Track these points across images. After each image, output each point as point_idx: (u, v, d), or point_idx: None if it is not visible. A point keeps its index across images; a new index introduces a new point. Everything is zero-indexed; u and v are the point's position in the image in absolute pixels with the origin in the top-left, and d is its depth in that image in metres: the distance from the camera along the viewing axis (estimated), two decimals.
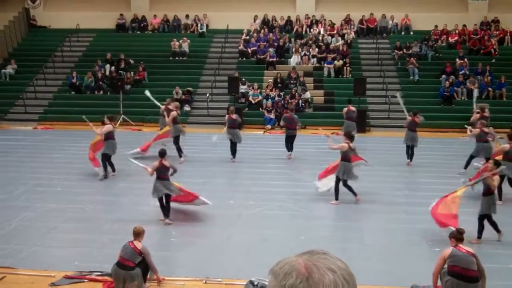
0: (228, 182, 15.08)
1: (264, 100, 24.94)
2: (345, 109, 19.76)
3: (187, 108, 25.31)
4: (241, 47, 28.70)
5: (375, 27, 30.25)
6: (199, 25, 30.92)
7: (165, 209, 11.25)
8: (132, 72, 27.37)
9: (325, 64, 27.33)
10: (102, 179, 14.65)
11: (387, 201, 13.17)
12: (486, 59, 27.37)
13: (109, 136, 14.83)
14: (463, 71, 25.97)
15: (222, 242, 10.34)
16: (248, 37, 29.23)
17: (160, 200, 11.19)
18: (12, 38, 30.85)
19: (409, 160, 16.69)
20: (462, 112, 24.07)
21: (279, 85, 25.90)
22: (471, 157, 15.35)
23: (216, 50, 29.23)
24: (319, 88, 26.54)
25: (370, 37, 29.95)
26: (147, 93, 20.80)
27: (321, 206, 12.93)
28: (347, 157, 12.66)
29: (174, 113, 17.13)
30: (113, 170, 15.08)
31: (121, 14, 31.33)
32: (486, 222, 10.36)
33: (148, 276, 8.32)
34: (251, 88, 25.58)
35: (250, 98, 25.25)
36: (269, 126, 23.81)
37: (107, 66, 27.83)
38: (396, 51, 28.17)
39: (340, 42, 28.58)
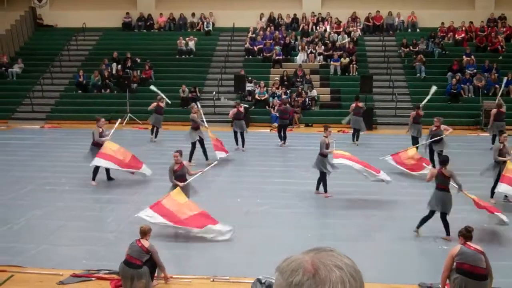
0: (234, 180, 15.08)
1: (271, 98, 24.94)
2: (352, 105, 20.02)
3: None
4: (247, 45, 28.69)
5: (382, 25, 30.18)
6: (205, 23, 30.95)
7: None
8: (138, 71, 27.43)
9: (332, 62, 27.29)
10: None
11: (394, 199, 13.15)
12: (493, 56, 27.28)
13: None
14: (471, 69, 25.87)
15: (229, 240, 10.35)
16: (254, 35, 29.22)
17: None
18: (18, 37, 30.99)
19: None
20: (469, 110, 23.98)
21: (286, 83, 25.88)
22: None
23: (222, 48, 29.24)
24: (325, 86, 26.51)
25: (376, 34, 29.89)
26: (153, 87, 21.33)
27: (328, 204, 12.92)
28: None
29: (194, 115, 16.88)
30: (93, 178, 14.17)
31: (127, 13, 31.41)
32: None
33: (156, 274, 8.35)
34: (257, 86, 25.57)
35: (257, 96, 25.25)
36: (275, 124, 23.73)
37: (114, 64, 27.90)
38: (402, 48, 28.10)
39: (347, 39, 28.53)
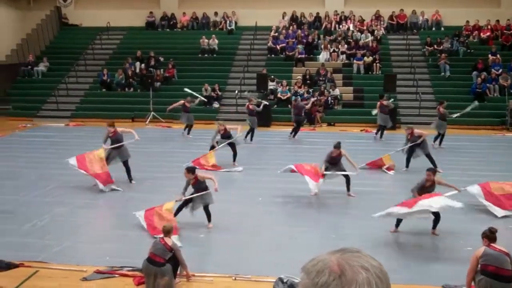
0: (256, 179, 15.06)
1: (293, 97, 24.88)
2: (378, 104, 20.42)
3: (216, 105, 25.41)
4: (270, 44, 28.68)
5: (405, 23, 29.92)
6: (227, 22, 31.01)
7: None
8: (161, 70, 27.60)
9: (355, 61, 27.14)
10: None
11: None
12: None
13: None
14: (497, 68, 25.49)
15: (251, 239, 10.35)
16: (276, 34, 29.20)
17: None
18: (44, 36, 31.43)
19: (438, 144, 18.48)
20: (495, 109, 23.66)
21: (308, 82, 25.81)
22: None
23: (244, 47, 29.27)
24: (348, 85, 26.38)
25: (400, 33, 29.64)
26: (187, 89, 22.72)
27: (350, 204, 12.85)
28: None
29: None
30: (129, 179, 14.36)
31: (151, 12, 31.64)
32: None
33: (178, 272, 8.39)
34: (279, 85, 25.55)
35: (279, 95, 25.22)
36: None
37: (137, 63, 28.11)
38: (426, 47, 27.83)
39: (370, 38, 28.36)
